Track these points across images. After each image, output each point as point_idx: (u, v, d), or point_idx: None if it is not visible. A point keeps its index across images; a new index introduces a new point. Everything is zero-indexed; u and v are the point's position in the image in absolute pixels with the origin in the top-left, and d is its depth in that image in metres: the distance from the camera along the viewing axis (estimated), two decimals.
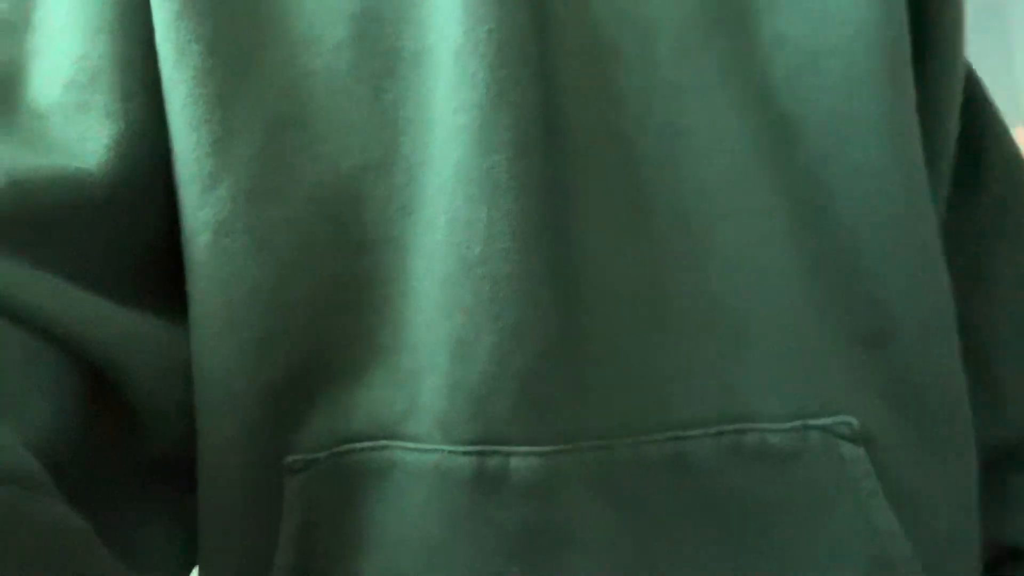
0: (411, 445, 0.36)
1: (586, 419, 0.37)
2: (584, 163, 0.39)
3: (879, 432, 0.38)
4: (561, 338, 0.36)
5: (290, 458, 0.37)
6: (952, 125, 0.45)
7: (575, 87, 0.39)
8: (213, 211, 0.37)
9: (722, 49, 0.40)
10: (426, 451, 0.35)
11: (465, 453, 0.35)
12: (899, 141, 0.40)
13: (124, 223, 0.37)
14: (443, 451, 0.35)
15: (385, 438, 0.36)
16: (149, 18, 0.38)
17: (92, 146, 0.36)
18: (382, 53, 0.38)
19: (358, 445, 0.36)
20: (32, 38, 0.39)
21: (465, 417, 0.35)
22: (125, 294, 0.37)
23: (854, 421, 0.37)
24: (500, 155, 0.36)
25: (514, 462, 0.35)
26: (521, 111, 0.37)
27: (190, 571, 0.40)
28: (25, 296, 0.32)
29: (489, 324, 0.36)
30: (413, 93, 0.38)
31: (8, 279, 0.32)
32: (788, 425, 0.37)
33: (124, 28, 0.38)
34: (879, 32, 0.40)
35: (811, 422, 0.37)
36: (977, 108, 0.49)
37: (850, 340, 0.39)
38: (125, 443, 0.37)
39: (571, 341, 0.37)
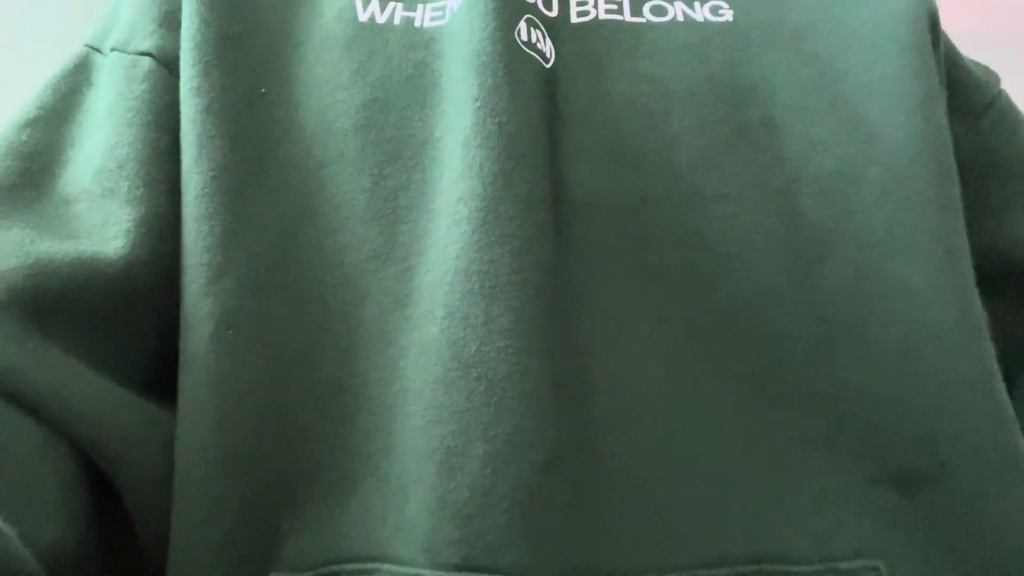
0: (396, 569, 0.32)
1: (592, 550, 0.32)
2: (595, 267, 0.36)
3: None
4: (564, 453, 0.32)
5: (274, 575, 0.33)
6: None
7: (589, 188, 0.37)
8: (217, 302, 0.35)
9: (746, 158, 0.38)
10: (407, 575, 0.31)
11: None
12: (949, 260, 0.36)
13: (139, 307, 0.36)
14: None
15: (375, 559, 0.33)
16: (179, 112, 0.39)
17: (113, 231, 0.36)
18: (387, 140, 0.37)
19: (347, 567, 0.33)
20: (72, 129, 0.40)
21: (451, 539, 0.31)
22: (137, 380, 0.36)
23: (882, 567, 0.33)
24: (502, 248, 0.34)
25: None
26: (527, 204, 0.34)
27: None
28: (41, 382, 0.32)
29: (482, 431, 0.32)
30: (416, 180, 0.37)
31: (25, 363, 0.32)
32: (812, 569, 0.33)
33: (156, 120, 0.39)
34: (922, 146, 0.37)
35: (838, 565, 0.33)
36: None
37: (874, 481, 0.35)
38: (121, 550, 0.34)
39: (576, 458, 0.33)
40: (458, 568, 0.31)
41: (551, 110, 0.37)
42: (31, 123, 0.39)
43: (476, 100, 0.36)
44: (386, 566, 0.32)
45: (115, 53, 0.41)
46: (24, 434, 0.31)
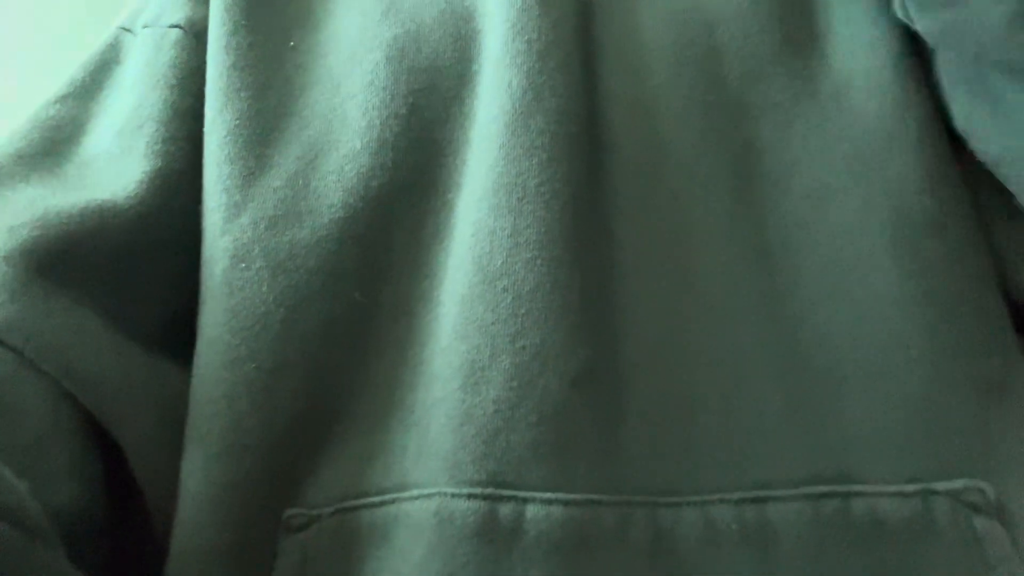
0: (415, 492, 0.30)
1: (627, 469, 0.30)
2: (630, 178, 0.34)
3: (1019, 506, 0.29)
4: (595, 368, 0.30)
5: (290, 511, 0.31)
6: None
7: (626, 99, 0.36)
8: (232, 238, 0.35)
9: (795, 68, 0.36)
10: (427, 496, 0.29)
11: (470, 496, 0.28)
12: None
13: (151, 258, 0.36)
14: (445, 495, 0.29)
15: (396, 489, 0.31)
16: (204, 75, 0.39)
17: (124, 182, 0.36)
18: (422, 70, 0.37)
19: (366, 500, 0.31)
20: (100, 99, 0.40)
21: (475, 455, 0.29)
22: (149, 335, 0.35)
23: (987, 488, 0.29)
24: (530, 160, 0.33)
25: (531, 511, 0.28)
26: (557, 116, 0.34)
27: None
28: (47, 335, 0.31)
29: (508, 343, 0.30)
30: (454, 113, 0.36)
31: (28, 317, 0.31)
32: (906, 489, 0.29)
33: (180, 84, 0.39)
34: None
35: (935, 486, 0.29)
36: None
37: (977, 387, 0.31)
38: (129, 515, 0.33)
39: (608, 374, 0.31)
40: (483, 484, 0.29)
41: (586, 27, 0.37)
42: (60, 99, 0.40)
43: (506, 21, 0.36)
44: (406, 493, 0.30)
45: (146, 29, 0.42)
46: (36, 393, 0.30)
